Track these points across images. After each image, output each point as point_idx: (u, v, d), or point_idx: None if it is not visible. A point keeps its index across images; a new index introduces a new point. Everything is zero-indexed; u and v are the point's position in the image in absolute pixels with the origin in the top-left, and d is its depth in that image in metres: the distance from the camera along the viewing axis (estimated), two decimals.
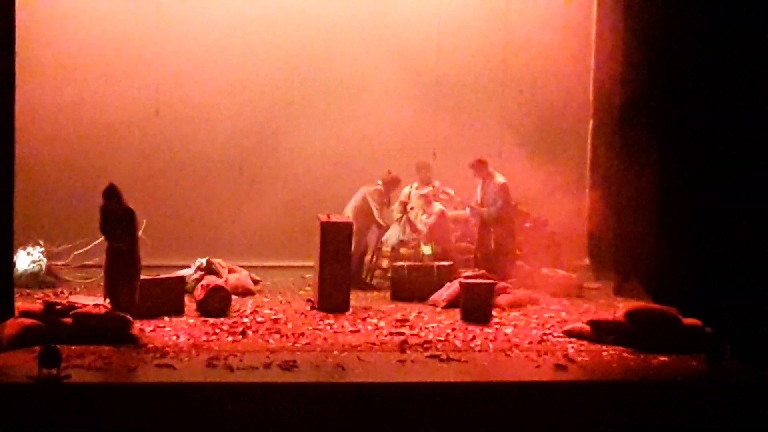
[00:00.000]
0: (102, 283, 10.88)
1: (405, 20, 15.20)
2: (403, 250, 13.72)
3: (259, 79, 15.11)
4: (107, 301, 10.67)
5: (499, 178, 13.65)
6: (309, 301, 12.50)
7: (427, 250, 13.63)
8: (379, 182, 13.82)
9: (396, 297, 12.93)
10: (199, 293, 11.88)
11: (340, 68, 15.09)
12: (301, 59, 15.11)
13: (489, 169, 13.74)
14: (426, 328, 11.26)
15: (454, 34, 15.25)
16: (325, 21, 15.10)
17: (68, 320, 10.23)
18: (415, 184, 14.34)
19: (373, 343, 10.50)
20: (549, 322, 11.64)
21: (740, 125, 11.16)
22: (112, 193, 10.75)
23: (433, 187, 14.27)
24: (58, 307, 10.45)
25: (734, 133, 11.20)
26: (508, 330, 11.27)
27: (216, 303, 11.67)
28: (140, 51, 14.81)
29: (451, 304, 12.23)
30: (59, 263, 13.32)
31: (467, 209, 14.18)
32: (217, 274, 12.75)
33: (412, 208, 13.95)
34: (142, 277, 10.97)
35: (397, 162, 14.40)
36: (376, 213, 13.65)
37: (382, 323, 11.45)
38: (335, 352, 10.09)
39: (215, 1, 15.02)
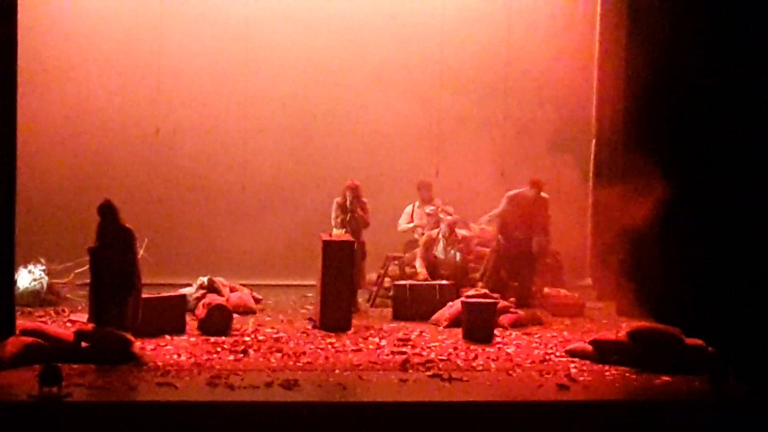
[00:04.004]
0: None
1: (407, 50, 15.25)
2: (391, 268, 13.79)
3: (261, 98, 15.12)
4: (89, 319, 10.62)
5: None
6: (310, 319, 12.47)
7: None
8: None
9: (398, 316, 12.89)
10: (200, 312, 11.86)
11: (340, 90, 15.10)
12: (301, 81, 15.12)
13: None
14: (428, 347, 11.23)
15: (456, 55, 15.26)
16: (329, 44, 15.14)
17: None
18: (417, 203, 14.37)
19: (375, 362, 10.47)
20: (551, 342, 11.61)
21: (747, 146, 11.12)
22: (107, 210, 10.72)
23: (435, 206, 14.27)
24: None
25: (740, 154, 11.17)
26: (511, 349, 11.24)
27: (217, 321, 11.64)
28: (143, 70, 14.83)
29: (453, 324, 12.21)
30: (60, 281, 13.30)
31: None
32: (218, 292, 12.71)
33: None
34: (144, 295, 10.95)
35: (400, 184, 14.51)
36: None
37: (383, 342, 11.41)
38: (337, 371, 10.07)
39: (217, 18, 15.04)
